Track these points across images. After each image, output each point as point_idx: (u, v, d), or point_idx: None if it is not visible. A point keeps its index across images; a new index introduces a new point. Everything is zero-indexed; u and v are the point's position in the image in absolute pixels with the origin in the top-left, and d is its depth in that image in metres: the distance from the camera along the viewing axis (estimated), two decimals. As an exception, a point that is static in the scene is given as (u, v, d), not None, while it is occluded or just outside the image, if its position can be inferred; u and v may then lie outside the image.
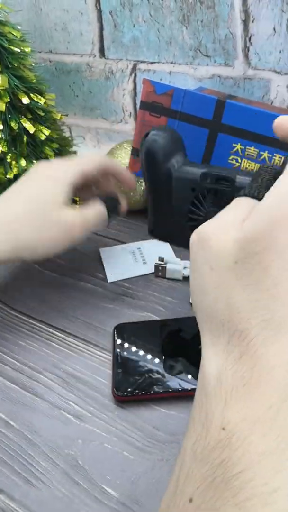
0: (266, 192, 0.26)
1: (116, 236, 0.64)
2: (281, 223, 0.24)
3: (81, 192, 0.53)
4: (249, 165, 0.53)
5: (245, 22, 0.61)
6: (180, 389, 0.40)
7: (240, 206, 0.28)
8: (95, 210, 0.49)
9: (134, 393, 0.40)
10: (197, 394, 0.26)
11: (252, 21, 0.60)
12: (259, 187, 0.28)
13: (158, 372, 0.41)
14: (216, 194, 0.40)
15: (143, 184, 0.64)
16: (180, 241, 0.42)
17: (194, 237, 0.28)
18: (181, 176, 0.42)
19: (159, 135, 0.43)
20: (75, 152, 0.74)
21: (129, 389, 0.40)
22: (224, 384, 0.24)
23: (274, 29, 0.59)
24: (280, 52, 0.60)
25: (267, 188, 0.27)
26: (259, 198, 0.27)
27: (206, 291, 0.27)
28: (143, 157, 0.43)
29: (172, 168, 0.42)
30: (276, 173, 0.28)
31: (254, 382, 0.24)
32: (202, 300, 0.27)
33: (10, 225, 0.46)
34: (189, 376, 0.41)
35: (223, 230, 0.27)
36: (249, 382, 0.24)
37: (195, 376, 0.40)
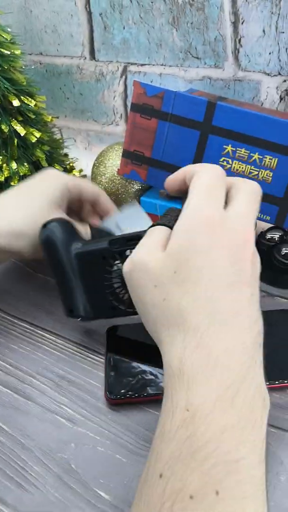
0: (174, 221, 0.32)
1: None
2: (198, 231, 0.30)
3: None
4: (240, 167, 0.54)
5: (235, 24, 0.61)
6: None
7: (155, 232, 0.33)
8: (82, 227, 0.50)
9: (127, 395, 0.40)
10: (164, 389, 0.29)
11: (242, 23, 0.60)
12: (169, 219, 0.34)
13: (151, 374, 0.41)
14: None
15: (134, 185, 0.64)
16: (104, 312, 0.42)
17: (128, 266, 0.32)
18: (88, 249, 0.42)
19: (56, 226, 0.44)
20: (66, 155, 0.74)
21: (121, 392, 0.40)
22: (185, 373, 0.27)
23: (263, 31, 0.60)
24: (269, 53, 0.61)
25: (176, 219, 0.32)
26: (170, 226, 0.33)
27: (155, 305, 0.31)
28: (43, 247, 0.44)
29: (75, 250, 0.43)
30: (179, 212, 0.33)
31: (211, 367, 0.27)
32: (151, 315, 0.31)
33: (2, 211, 0.47)
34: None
35: (151, 252, 0.32)
36: (207, 367, 0.27)
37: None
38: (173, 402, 0.27)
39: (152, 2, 0.65)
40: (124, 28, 0.69)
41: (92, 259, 0.42)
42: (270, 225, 0.56)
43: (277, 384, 0.40)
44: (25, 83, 0.63)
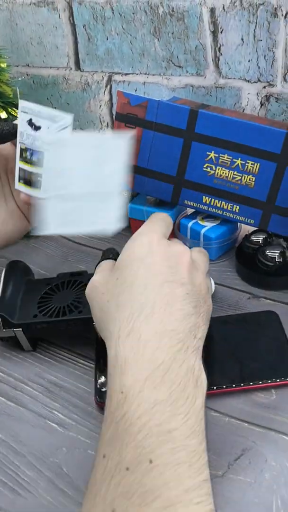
0: (112, 255, 0.42)
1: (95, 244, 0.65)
2: (138, 245, 0.36)
3: None
4: (223, 172, 0.55)
5: (214, 33, 0.63)
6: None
7: (106, 265, 0.39)
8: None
9: (116, 399, 0.41)
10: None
11: (221, 32, 0.62)
12: (112, 254, 0.42)
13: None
14: (73, 284, 0.50)
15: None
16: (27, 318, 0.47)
17: (87, 289, 0.38)
18: (38, 280, 0.52)
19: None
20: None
21: (111, 396, 0.41)
22: (119, 358, 0.31)
23: (242, 39, 0.61)
24: (249, 61, 0.62)
25: (117, 255, 0.40)
26: (114, 258, 0.40)
27: (102, 308, 0.36)
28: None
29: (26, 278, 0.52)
30: (113, 249, 0.44)
31: (141, 349, 0.30)
32: (101, 319, 0.36)
33: None
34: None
35: (102, 273, 0.38)
36: (137, 350, 0.30)
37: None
38: (110, 388, 0.30)
39: (133, 13, 0.67)
40: (107, 39, 0.71)
41: (38, 288, 0.50)
42: (254, 229, 0.57)
43: (261, 384, 0.41)
44: (11, 95, 0.64)
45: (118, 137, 0.41)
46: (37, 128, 0.43)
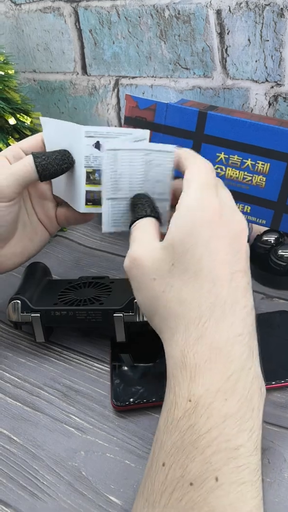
0: (149, 209, 0.35)
1: (108, 249, 0.65)
2: (200, 222, 0.30)
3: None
4: (233, 173, 0.55)
5: (221, 35, 0.63)
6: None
7: (143, 227, 0.34)
8: (21, 163, 0.43)
9: (133, 402, 0.41)
10: (167, 381, 0.30)
11: (228, 33, 0.62)
12: (146, 208, 0.36)
13: (155, 380, 0.42)
14: (94, 284, 0.51)
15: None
16: (48, 304, 0.48)
17: (127, 263, 0.33)
18: (59, 280, 0.54)
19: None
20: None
21: (127, 399, 0.41)
22: (188, 364, 0.28)
23: (249, 40, 0.61)
24: (256, 61, 0.62)
25: (150, 207, 0.35)
26: (152, 215, 0.35)
27: (155, 298, 0.31)
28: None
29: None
30: (147, 197, 0.37)
31: (214, 357, 0.28)
32: (153, 308, 0.31)
33: None
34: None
35: (147, 246, 0.32)
36: (209, 358, 0.28)
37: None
38: (176, 393, 0.28)
39: (139, 17, 0.67)
40: (113, 43, 0.71)
41: (60, 285, 0.52)
42: (266, 229, 0.57)
43: (276, 384, 0.41)
44: (20, 101, 0.65)
45: (164, 149, 0.41)
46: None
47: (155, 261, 0.31)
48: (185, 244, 0.30)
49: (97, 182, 0.44)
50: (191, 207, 0.31)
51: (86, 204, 0.45)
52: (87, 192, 0.45)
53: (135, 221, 0.35)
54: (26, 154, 0.44)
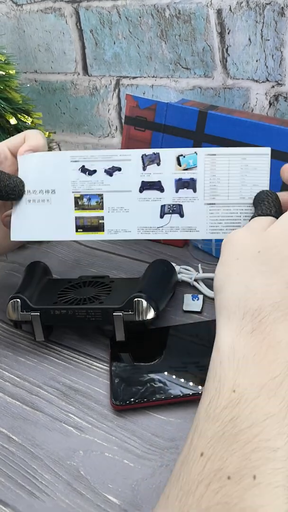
0: (274, 209, 0.36)
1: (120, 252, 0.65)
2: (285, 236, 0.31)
3: None
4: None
5: (221, 34, 0.63)
6: (181, 395, 0.41)
7: (262, 220, 0.35)
8: None
9: (132, 401, 0.41)
10: (211, 365, 0.30)
11: (228, 33, 0.62)
12: (269, 208, 0.37)
13: (153, 380, 0.42)
14: (94, 284, 0.51)
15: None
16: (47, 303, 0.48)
17: (225, 239, 0.35)
18: (59, 279, 0.54)
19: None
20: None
21: (126, 398, 0.41)
22: (236, 353, 0.28)
23: (249, 39, 0.61)
24: (256, 61, 0.62)
25: (275, 207, 0.36)
26: (272, 214, 0.36)
27: (230, 276, 0.32)
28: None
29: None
30: (275, 196, 0.38)
31: (263, 354, 0.28)
32: (223, 284, 0.33)
33: None
34: (190, 383, 0.42)
35: (250, 231, 0.34)
36: (259, 353, 0.28)
37: (190, 382, 0.41)
38: (220, 381, 0.28)
39: (140, 17, 0.67)
40: (114, 43, 0.71)
41: (60, 284, 0.52)
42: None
43: None
44: (21, 101, 0.65)
45: (260, 152, 0.41)
46: (91, 172, 0.44)
47: (244, 243, 0.33)
48: (277, 240, 0.31)
49: (87, 208, 0.44)
50: None
51: (76, 231, 0.45)
52: (77, 218, 0.45)
53: (256, 216, 0.36)
54: (12, 154, 0.47)
